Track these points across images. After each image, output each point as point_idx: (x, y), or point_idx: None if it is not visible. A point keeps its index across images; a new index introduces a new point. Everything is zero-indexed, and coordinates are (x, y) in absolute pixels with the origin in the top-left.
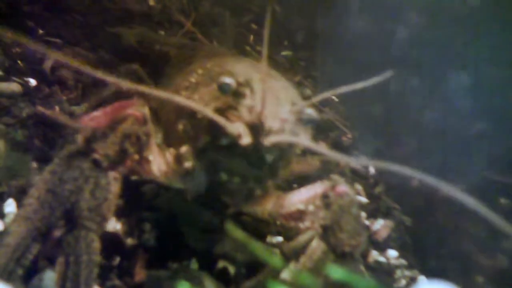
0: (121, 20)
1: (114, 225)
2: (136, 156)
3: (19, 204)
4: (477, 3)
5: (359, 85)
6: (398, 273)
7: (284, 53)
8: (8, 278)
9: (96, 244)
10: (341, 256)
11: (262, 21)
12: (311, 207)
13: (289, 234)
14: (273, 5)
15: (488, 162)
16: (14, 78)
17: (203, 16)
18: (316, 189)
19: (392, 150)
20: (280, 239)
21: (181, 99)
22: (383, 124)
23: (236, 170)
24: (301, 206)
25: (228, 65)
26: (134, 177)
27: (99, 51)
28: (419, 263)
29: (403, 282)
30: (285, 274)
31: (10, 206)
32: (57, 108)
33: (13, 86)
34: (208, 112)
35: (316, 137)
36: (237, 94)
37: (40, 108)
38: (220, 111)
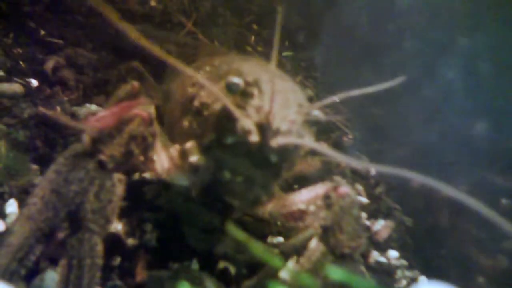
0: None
1: (115, 226)
2: (141, 158)
3: (22, 204)
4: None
5: (372, 89)
6: (399, 273)
7: (285, 53)
8: (10, 279)
9: (100, 247)
10: (340, 258)
11: (263, 21)
12: (312, 207)
13: (290, 234)
14: (282, 6)
15: (488, 162)
16: (16, 79)
17: (204, 16)
18: (317, 190)
19: (391, 151)
20: (280, 239)
21: (204, 80)
22: (383, 124)
23: (239, 169)
24: (302, 206)
25: (235, 64)
26: (135, 177)
27: (101, 52)
28: (419, 263)
29: (404, 282)
30: (284, 274)
31: (12, 206)
32: (58, 108)
33: (15, 87)
34: (226, 100)
35: (318, 138)
36: (245, 94)
37: (42, 109)
38: (227, 110)
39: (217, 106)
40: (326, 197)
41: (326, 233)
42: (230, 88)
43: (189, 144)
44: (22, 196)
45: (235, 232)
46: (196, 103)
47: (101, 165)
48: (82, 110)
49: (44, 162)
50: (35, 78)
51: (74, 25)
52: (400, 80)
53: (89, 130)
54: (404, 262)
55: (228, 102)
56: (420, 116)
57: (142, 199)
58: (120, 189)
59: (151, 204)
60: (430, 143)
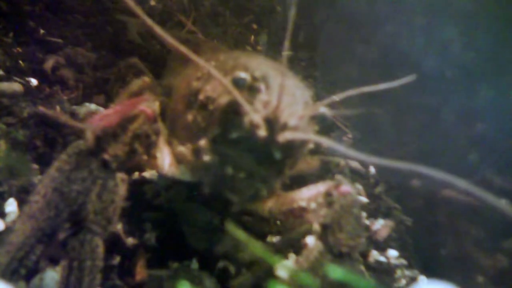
0: (122, 20)
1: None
2: (145, 156)
3: (22, 203)
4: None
5: (380, 87)
6: (398, 272)
7: (284, 53)
8: (10, 278)
9: (101, 249)
10: (339, 256)
11: (263, 21)
12: (313, 205)
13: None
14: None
15: (488, 162)
16: (15, 78)
17: (204, 16)
18: (319, 188)
19: (391, 151)
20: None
21: (215, 73)
22: (384, 124)
23: (243, 165)
24: (303, 204)
25: (242, 59)
26: (135, 176)
27: (100, 51)
28: (419, 263)
29: (403, 281)
30: (283, 273)
31: (11, 205)
32: (58, 108)
33: (15, 86)
34: (236, 93)
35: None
36: (252, 89)
37: (41, 108)
38: (234, 104)
39: (223, 100)
40: (328, 194)
41: (325, 231)
42: (237, 83)
43: (203, 142)
44: (22, 195)
45: (235, 231)
46: (201, 97)
47: (105, 164)
48: (81, 109)
49: (43, 162)
50: (34, 77)
51: (73, 25)
52: (408, 80)
53: (93, 128)
54: (403, 261)
55: (238, 95)
56: (420, 116)
57: (142, 198)
58: (122, 189)
59: (150, 203)
60: (429, 143)
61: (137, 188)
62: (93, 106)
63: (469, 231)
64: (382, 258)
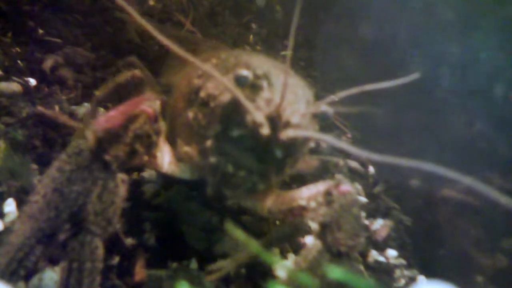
0: (121, 20)
1: None
2: (145, 157)
3: (20, 203)
4: None
5: (385, 84)
6: (398, 272)
7: (283, 52)
8: (9, 279)
9: (100, 251)
10: (337, 256)
11: (262, 21)
12: (312, 204)
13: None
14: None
15: (488, 163)
16: (14, 78)
17: (203, 16)
18: (318, 187)
19: (390, 151)
20: None
21: (217, 74)
22: (382, 124)
23: (244, 163)
24: (302, 203)
25: (244, 57)
26: (134, 177)
27: (99, 51)
28: (418, 262)
29: (403, 281)
30: (281, 272)
31: (10, 205)
32: (57, 108)
33: (13, 86)
34: (238, 93)
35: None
36: (255, 87)
37: (40, 108)
38: (236, 101)
39: (224, 98)
40: (327, 194)
41: (324, 231)
42: (239, 81)
43: (209, 143)
44: (21, 195)
45: (234, 231)
46: (202, 94)
47: (105, 165)
48: (80, 109)
49: (42, 162)
50: (33, 77)
51: (72, 24)
52: (411, 78)
53: (93, 128)
54: (402, 261)
55: (240, 95)
56: (420, 116)
57: (141, 198)
58: (122, 190)
59: (150, 203)
60: (429, 143)
61: (136, 188)
62: None
63: (469, 231)
64: (381, 258)
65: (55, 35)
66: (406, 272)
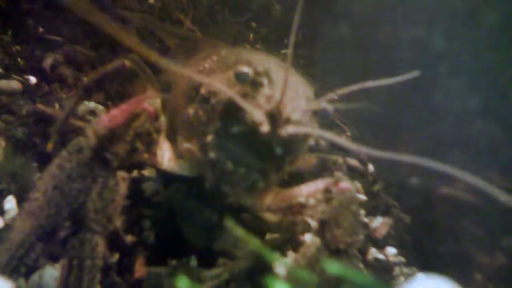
0: (121, 18)
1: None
2: (145, 155)
3: (21, 200)
4: None
5: (385, 81)
6: (397, 270)
7: (283, 51)
8: (9, 276)
9: (101, 248)
10: (335, 253)
11: (261, 19)
12: (311, 201)
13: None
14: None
15: (488, 162)
16: (14, 76)
17: (203, 14)
18: (318, 184)
19: (390, 149)
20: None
21: (210, 80)
22: (382, 122)
23: (243, 160)
24: (301, 200)
25: (244, 54)
26: (134, 174)
27: (99, 49)
28: (417, 260)
29: (402, 279)
30: (280, 269)
31: (10, 202)
32: (56, 105)
33: (13, 84)
34: (234, 95)
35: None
36: (255, 83)
37: (40, 106)
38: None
39: (225, 94)
40: (327, 191)
41: (323, 228)
42: (240, 78)
43: (209, 138)
44: (21, 193)
45: (234, 228)
46: (203, 90)
47: (105, 163)
48: (80, 107)
49: (42, 159)
50: (33, 75)
51: (72, 23)
52: (411, 76)
53: (94, 126)
54: (402, 259)
55: (238, 97)
56: (420, 115)
57: (141, 196)
58: (123, 188)
59: (149, 201)
60: (429, 143)
61: (136, 186)
62: (92, 104)
63: (468, 229)
64: (380, 256)
65: (55, 34)
66: (405, 270)
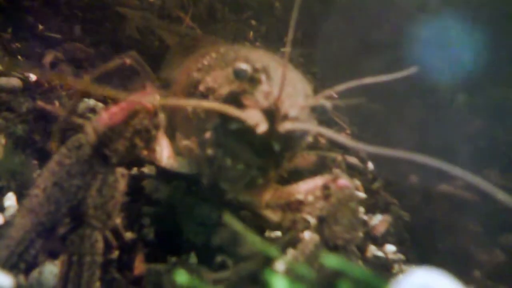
0: (121, 16)
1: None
2: (145, 151)
3: (20, 197)
4: None
5: (384, 78)
6: (396, 267)
7: (283, 49)
8: (9, 272)
9: (100, 244)
10: (334, 249)
11: (261, 17)
12: (310, 198)
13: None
14: None
15: (488, 162)
16: (14, 73)
17: (203, 12)
18: (316, 181)
19: (389, 148)
20: (278, 233)
21: (194, 102)
22: (381, 120)
23: (242, 156)
24: (300, 197)
25: (243, 51)
26: (134, 171)
27: (99, 46)
28: (416, 258)
29: (401, 276)
30: (280, 265)
31: (10, 199)
32: (56, 103)
33: (13, 81)
34: (225, 107)
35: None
36: (253, 80)
37: (40, 103)
38: (235, 94)
39: (223, 91)
40: (325, 188)
41: (321, 224)
42: (238, 74)
43: (208, 135)
44: (21, 190)
45: (233, 224)
46: (201, 87)
47: (105, 159)
48: (80, 105)
49: (42, 156)
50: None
51: (72, 20)
52: (410, 72)
53: (94, 123)
54: (401, 256)
55: (227, 108)
56: (420, 114)
57: (141, 193)
58: (122, 185)
59: (149, 198)
60: (429, 142)
61: (136, 183)
62: (91, 102)
63: (466, 226)
64: (379, 253)
65: (55, 31)
66: (405, 267)
